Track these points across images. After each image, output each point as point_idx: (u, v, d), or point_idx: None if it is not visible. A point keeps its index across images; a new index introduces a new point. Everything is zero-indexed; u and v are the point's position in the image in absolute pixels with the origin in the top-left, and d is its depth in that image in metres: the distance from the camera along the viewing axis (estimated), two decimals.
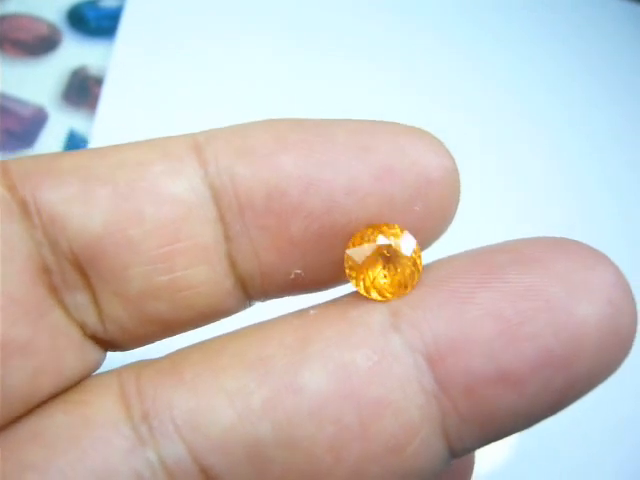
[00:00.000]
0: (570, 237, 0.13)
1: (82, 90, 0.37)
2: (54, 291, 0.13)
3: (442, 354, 0.12)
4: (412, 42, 0.40)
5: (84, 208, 0.13)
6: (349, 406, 0.12)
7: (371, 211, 0.13)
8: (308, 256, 0.13)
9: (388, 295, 0.13)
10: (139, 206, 0.13)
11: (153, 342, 0.14)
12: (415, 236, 0.13)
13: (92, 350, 0.14)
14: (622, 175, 0.38)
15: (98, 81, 0.37)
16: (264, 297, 0.14)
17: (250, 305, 0.15)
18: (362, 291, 0.13)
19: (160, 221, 0.13)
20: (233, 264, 0.14)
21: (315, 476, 0.12)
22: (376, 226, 0.13)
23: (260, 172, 0.13)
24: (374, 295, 0.13)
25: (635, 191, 0.38)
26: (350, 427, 0.12)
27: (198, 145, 0.14)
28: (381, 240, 0.13)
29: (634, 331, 0.12)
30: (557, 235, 0.13)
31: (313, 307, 0.13)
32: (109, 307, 0.13)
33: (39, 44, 0.38)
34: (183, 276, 0.13)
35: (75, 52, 0.38)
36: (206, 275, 0.13)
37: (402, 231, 0.13)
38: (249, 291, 0.14)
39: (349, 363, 0.12)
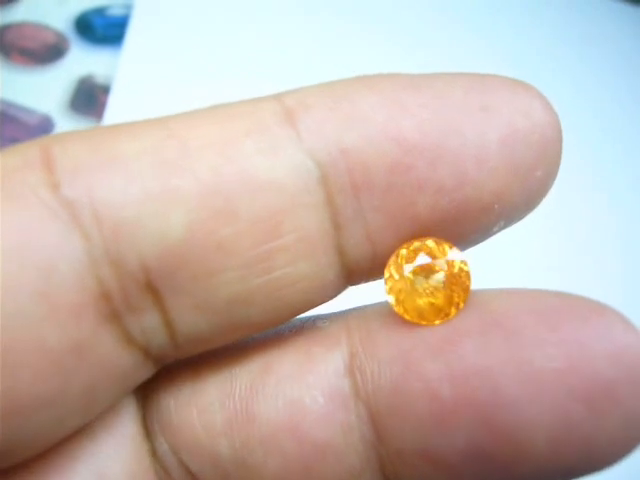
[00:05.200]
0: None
1: (89, 98, 0.37)
2: (113, 319, 0.11)
3: (380, 413, 0.12)
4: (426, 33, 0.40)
5: (162, 208, 0.10)
6: (293, 442, 0.12)
7: (500, 182, 0.11)
8: (430, 232, 0.12)
9: (423, 321, 0.12)
10: (231, 199, 0.11)
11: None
12: (533, 203, 0.12)
13: (143, 372, 0.12)
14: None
15: (105, 89, 0.37)
16: (367, 280, 0.13)
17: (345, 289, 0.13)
18: (411, 318, 0.12)
19: (257, 215, 0.11)
20: (341, 253, 0.12)
21: None
22: (410, 245, 0.12)
23: (379, 142, 0.11)
24: (422, 320, 0.12)
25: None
26: (294, 462, 0.12)
27: (290, 113, 0.11)
28: (422, 259, 0.12)
29: (597, 436, 0.11)
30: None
31: (290, 328, 0.13)
32: (186, 323, 0.11)
33: (46, 52, 0.38)
34: (282, 275, 0.11)
35: (82, 60, 0.38)
36: (308, 270, 0.11)
37: (449, 247, 0.12)
38: (353, 277, 0.12)
39: (297, 401, 0.12)
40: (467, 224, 0.12)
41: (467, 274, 0.12)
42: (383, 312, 0.12)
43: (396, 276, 0.12)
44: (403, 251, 0.12)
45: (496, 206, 0.11)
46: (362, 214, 0.11)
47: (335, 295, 0.13)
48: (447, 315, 0.12)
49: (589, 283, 0.33)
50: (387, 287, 0.12)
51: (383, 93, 0.11)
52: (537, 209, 0.13)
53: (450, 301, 0.12)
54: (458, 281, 0.12)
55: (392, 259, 0.12)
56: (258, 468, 0.12)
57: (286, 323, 0.13)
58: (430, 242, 0.12)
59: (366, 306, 0.13)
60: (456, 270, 0.12)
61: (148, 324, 0.11)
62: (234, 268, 0.11)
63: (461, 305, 0.12)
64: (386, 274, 0.12)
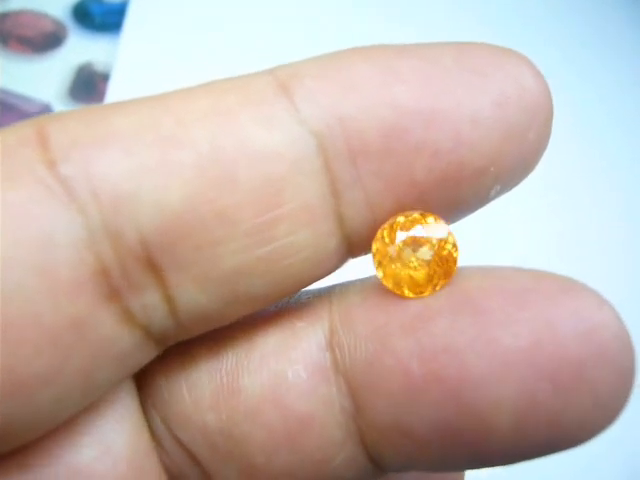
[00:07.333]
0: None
1: (88, 86, 0.36)
2: (112, 296, 0.11)
3: (358, 387, 0.12)
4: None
5: (160, 180, 0.10)
6: (277, 415, 0.12)
7: (495, 144, 0.11)
8: (428, 197, 0.12)
9: (408, 293, 0.12)
10: (230, 168, 0.11)
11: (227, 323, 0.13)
12: (527, 167, 0.12)
13: (145, 354, 0.12)
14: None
15: (104, 77, 0.37)
16: (368, 251, 0.13)
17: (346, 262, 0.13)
18: (387, 284, 0.12)
19: (257, 184, 0.11)
20: (341, 221, 0.12)
21: (252, 469, 0.13)
22: (409, 215, 0.12)
23: (374, 109, 0.11)
24: (397, 290, 0.12)
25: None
26: (278, 434, 0.12)
27: (284, 84, 0.11)
28: (416, 231, 0.12)
29: (554, 427, 0.11)
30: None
31: (276, 304, 0.13)
32: (187, 298, 0.11)
33: (44, 40, 0.38)
34: (284, 244, 0.11)
35: (81, 48, 0.38)
36: (310, 238, 0.11)
37: (437, 221, 0.12)
38: (354, 247, 0.12)
39: (281, 375, 0.12)
40: (464, 187, 0.12)
41: (454, 260, 0.12)
42: (365, 287, 0.13)
43: (386, 240, 0.12)
44: (400, 218, 0.12)
45: (492, 169, 0.12)
46: (360, 180, 0.11)
47: (337, 267, 0.13)
48: (422, 292, 0.12)
49: (584, 262, 0.33)
50: (374, 248, 0.12)
51: (375, 61, 0.11)
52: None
53: (429, 280, 0.12)
54: (444, 264, 0.12)
55: (388, 223, 0.12)
56: (244, 439, 0.12)
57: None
58: (430, 217, 0.12)
59: (350, 282, 0.13)
60: (445, 253, 0.12)
61: (148, 301, 0.11)
62: (235, 238, 0.11)
63: (438, 288, 0.12)
64: (378, 235, 0.12)
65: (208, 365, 0.13)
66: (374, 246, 0.12)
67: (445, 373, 0.11)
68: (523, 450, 0.11)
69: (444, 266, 0.12)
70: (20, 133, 0.11)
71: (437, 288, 0.12)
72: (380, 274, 0.12)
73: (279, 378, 0.12)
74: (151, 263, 0.11)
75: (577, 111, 0.39)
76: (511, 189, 0.12)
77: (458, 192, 0.12)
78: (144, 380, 0.13)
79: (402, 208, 0.12)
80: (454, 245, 0.12)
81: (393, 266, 0.12)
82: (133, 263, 0.11)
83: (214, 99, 0.11)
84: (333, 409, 0.12)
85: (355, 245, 0.12)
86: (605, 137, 0.38)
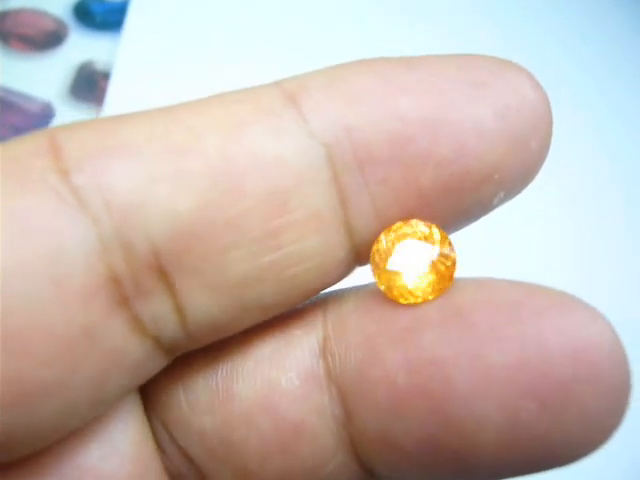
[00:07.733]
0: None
1: (89, 85, 0.36)
2: (123, 305, 0.11)
3: (348, 396, 0.12)
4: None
5: (171, 189, 0.11)
6: (270, 421, 0.12)
7: (499, 153, 0.12)
8: (433, 205, 0.12)
9: (389, 294, 0.12)
10: (239, 178, 0.11)
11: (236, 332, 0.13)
12: (530, 175, 0.12)
13: (154, 364, 0.12)
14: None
15: (105, 75, 0.37)
16: None
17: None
18: (385, 291, 0.12)
19: (265, 192, 0.11)
20: (349, 230, 0.12)
21: (246, 473, 0.13)
22: (415, 225, 0.12)
23: (380, 120, 0.11)
24: (389, 294, 0.12)
25: None
26: (271, 441, 0.12)
27: (292, 95, 0.12)
28: (417, 242, 0.12)
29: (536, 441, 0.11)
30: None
31: None
32: (197, 306, 0.11)
33: (45, 39, 0.38)
34: (292, 252, 0.11)
35: (81, 47, 0.38)
36: (318, 247, 0.12)
37: (449, 245, 0.12)
38: (361, 255, 0.12)
39: (275, 382, 0.12)
40: (469, 195, 0.12)
41: (451, 277, 0.12)
42: (360, 294, 0.13)
43: (388, 244, 0.12)
44: (408, 229, 0.12)
45: (496, 176, 0.12)
46: (368, 189, 0.12)
47: (345, 275, 0.13)
48: (413, 301, 0.12)
49: (585, 271, 0.33)
50: (374, 249, 0.12)
51: (380, 72, 0.12)
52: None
53: (423, 292, 0.12)
54: (440, 279, 0.12)
55: (393, 228, 0.12)
56: (239, 444, 0.13)
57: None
58: (436, 232, 0.12)
59: (347, 288, 0.13)
60: (442, 269, 0.12)
61: (159, 310, 0.11)
62: (244, 245, 0.11)
63: (429, 298, 0.12)
64: (379, 238, 0.12)
65: (204, 370, 0.13)
66: (374, 247, 0.12)
67: (430, 387, 0.11)
68: (509, 467, 0.11)
69: (440, 282, 0.12)
70: (33, 143, 0.11)
71: (428, 299, 0.12)
72: (376, 277, 0.12)
73: (273, 384, 0.12)
74: (161, 271, 0.11)
75: (578, 111, 0.38)
76: (514, 196, 0.13)
77: (462, 200, 0.12)
78: (145, 384, 0.13)
79: (408, 216, 0.12)
80: (453, 263, 0.12)
81: (388, 271, 0.12)
82: (144, 272, 0.11)
83: (224, 110, 0.11)
84: (325, 416, 0.12)
85: (363, 253, 0.12)
86: (606, 137, 0.38)
